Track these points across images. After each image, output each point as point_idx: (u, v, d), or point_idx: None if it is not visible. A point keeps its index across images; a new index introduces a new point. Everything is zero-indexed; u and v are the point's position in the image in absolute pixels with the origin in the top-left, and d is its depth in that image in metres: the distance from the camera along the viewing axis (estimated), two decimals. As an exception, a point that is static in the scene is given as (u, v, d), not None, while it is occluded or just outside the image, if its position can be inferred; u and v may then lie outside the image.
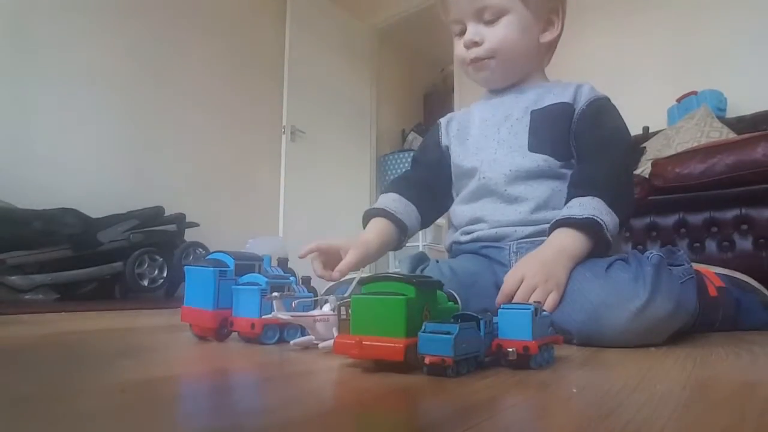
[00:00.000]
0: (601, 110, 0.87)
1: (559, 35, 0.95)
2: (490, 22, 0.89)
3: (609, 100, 0.90)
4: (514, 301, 0.69)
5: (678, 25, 2.63)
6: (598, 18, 2.76)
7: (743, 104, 2.26)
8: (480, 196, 0.91)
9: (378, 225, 0.90)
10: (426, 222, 0.99)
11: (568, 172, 0.86)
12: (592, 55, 2.63)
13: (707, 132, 2.01)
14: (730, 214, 1.40)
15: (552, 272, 0.70)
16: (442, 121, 1.06)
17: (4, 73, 2.15)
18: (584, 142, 0.85)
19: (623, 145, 0.88)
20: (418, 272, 0.81)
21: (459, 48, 0.94)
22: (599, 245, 0.75)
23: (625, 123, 0.88)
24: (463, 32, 0.92)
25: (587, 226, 0.74)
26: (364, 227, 0.92)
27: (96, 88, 2.46)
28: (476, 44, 0.90)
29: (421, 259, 0.88)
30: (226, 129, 3.05)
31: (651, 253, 0.69)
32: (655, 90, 2.50)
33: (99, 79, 2.48)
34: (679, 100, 2.41)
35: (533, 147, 0.87)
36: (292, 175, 3.29)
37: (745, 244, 1.36)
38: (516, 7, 0.87)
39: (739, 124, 2.07)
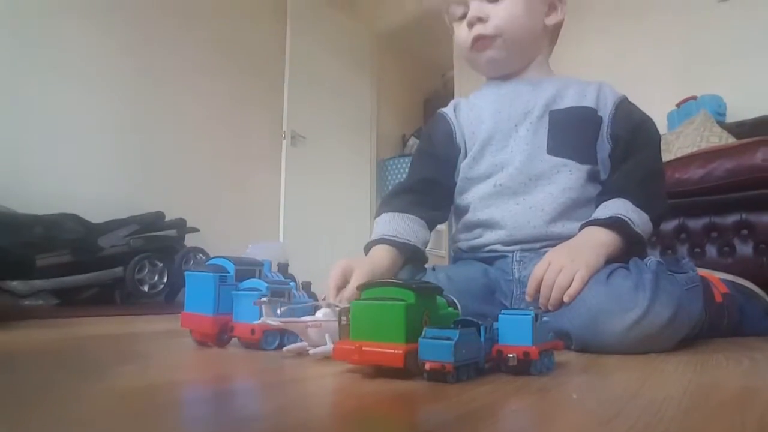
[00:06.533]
0: (629, 111, 0.87)
1: (563, 21, 0.93)
2: (494, 0, 0.86)
3: (627, 98, 0.89)
4: (543, 282, 0.70)
5: (678, 31, 2.63)
6: (597, 24, 2.77)
7: (743, 109, 2.26)
8: (494, 201, 0.87)
9: (378, 253, 0.82)
10: (435, 222, 0.93)
11: (588, 177, 0.84)
12: (591, 60, 2.64)
13: (707, 137, 2.01)
14: (730, 219, 1.39)
15: (578, 254, 0.70)
16: (448, 112, 0.97)
17: (3, 79, 2.15)
18: (619, 147, 0.84)
19: (654, 145, 0.87)
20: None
21: (461, 32, 0.90)
22: (632, 243, 0.75)
23: (651, 119, 0.88)
24: (464, 15, 0.89)
25: (612, 224, 0.74)
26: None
27: (96, 94, 2.47)
28: (481, 20, 0.86)
29: (416, 270, 0.86)
30: (226, 134, 3.05)
31: (650, 259, 0.69)
32: (654, 95, 2.49)
33: (99, 85, 2.48)
34: (678, 105, 2.41)
35: (552, 150, 0.84)
36: (293, 179, 3.29)
37: (745, 249, 1.36)
38: None
39: (739, 129, 2.07)
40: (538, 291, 0.71)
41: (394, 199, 0.92)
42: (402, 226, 0.86)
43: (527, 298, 0.73)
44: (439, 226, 0.96)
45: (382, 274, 0.79)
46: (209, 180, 2.92)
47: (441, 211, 0.96)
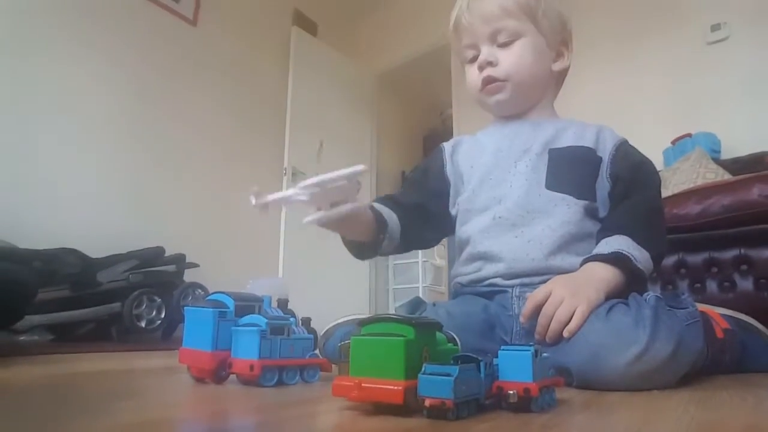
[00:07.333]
0: (629, 153, 0.89)
1: (569, 67, 0.96)
2: (504, 45, 0.90)
3: (628, 141, 0.92)
4: (542, 311, 0.70)
5: (672, 70, 2.70)
6: (594, 62, 2.83)
7: (738, 146, 2.29)
8: (493, 233, 0.87)
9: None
10: (408, 241, 0.94)
11: (586, 212, 0.85)
12: (588, 98, 2.69)
13: (703, 173, 2.03)
14: (729, 254, 1.39)
15: (580, 289, 0.70)
16: (446, 146, 1.02)
17: (4, 113, 2.18)
18: (619, 185, 0.86)
19: (654, 186, 0.89)
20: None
21: (472, 74, 0.94)
22: (633, 279, 0.75)
23: (651, 162, 0.90)
24: (475, 58, 0.92)
25: (614, 259, 0.75)
26: None
27: (97, 130, 2.50)
28: (491, 64, 0.90)
29: (417, 304, 0.86)
30: (227, 170, 3.08)
31: (649, 294, 0.69)
32: (651, 132, 2.53)
33: (100, 120, 2.52)
34: (674, 143, 2.45)
35: (551, 185, 0.86)
36: (293, 215, 3.29)
37: (745, 284, 1.36)
38: (530, 32, 0.89)
39: (734, 165, 2.10)
40: (533, 315, 0.71)
41: (384, 199, 0.97)
42: (387, 213, 0.90)
43: (521, 319, 0.73)
44: (439, 262, 0.98)
45: (368, 216, 0.85)
46: (210, 215, 2.93)
47: (420, 237, 0.99)
